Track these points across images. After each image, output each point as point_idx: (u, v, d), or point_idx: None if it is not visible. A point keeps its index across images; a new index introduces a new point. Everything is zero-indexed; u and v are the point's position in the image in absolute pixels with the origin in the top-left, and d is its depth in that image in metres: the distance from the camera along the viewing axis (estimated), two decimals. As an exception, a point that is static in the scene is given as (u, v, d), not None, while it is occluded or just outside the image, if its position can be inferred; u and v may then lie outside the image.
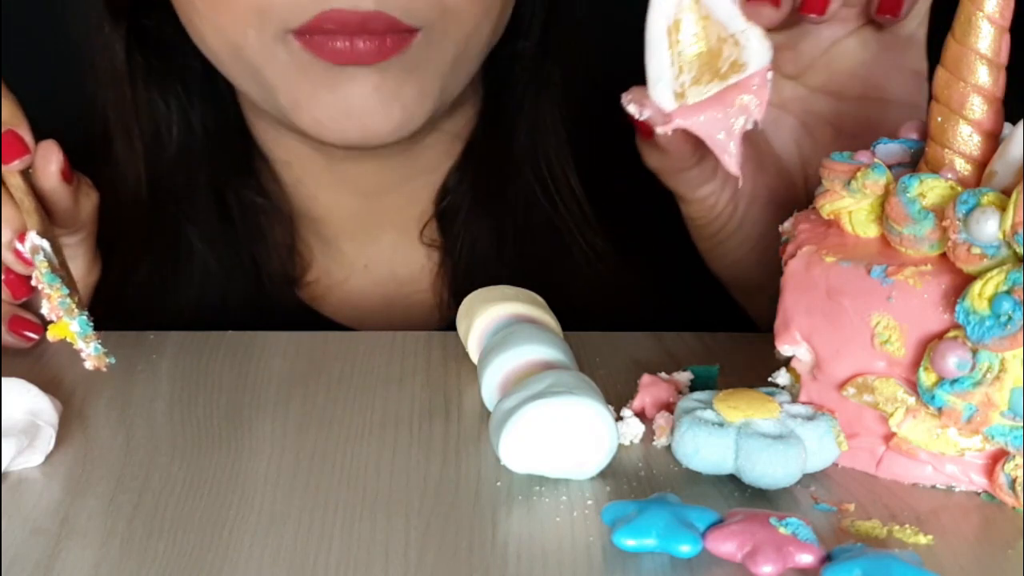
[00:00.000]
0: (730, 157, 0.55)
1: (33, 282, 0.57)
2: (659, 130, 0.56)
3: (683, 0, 0.55)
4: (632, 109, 0.57)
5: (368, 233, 0.83)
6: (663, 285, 0.79)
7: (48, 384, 0.56)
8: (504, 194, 0.82)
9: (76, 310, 0.56)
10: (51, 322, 0.57)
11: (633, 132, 0.61)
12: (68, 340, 0.56)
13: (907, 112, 0.62)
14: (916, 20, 0.63)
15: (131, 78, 0.80)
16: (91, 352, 0.56)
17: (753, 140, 0.66)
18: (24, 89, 0.65)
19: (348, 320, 0.82)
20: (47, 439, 0.54)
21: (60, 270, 0.58)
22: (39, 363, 0.63)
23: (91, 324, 0.56)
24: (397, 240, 0.84)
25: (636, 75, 0.56)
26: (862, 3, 0.61)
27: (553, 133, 0.81)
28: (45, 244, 0.59)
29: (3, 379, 0.54)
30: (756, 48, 0.55)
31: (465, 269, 0.81)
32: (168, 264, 0.81)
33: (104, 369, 0.56)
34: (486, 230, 0.82)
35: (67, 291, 0.57)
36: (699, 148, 0.60)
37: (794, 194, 0.65)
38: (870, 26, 0.63)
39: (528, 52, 0.81)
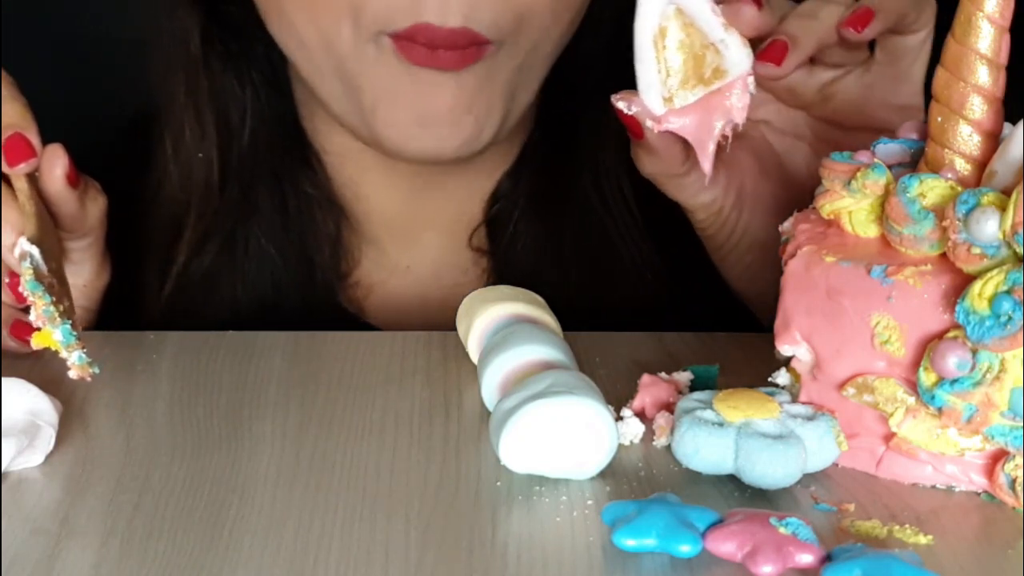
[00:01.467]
0: (707, 157, 0.58)
1: (20, 288, 0.57)
2: (648, 124, 0.59)
3: (667, 9, 0.57)
4: (622, 105, 0.59)
5: (412, 234, 0.83)
6: (707, 293, 0.79)
7: (48, 384, 0.56)
8: (559, 200, 0.81)
9: (59, 319, 0.55)
10: (37, 329, 0.56)
11: None
12: (53, 349, 0.56)
13: None
14: (911, 59, 0.65)
15: (206, 64, 0.80)
16: (75, 361, 0.55)
17: (755, 148, 0.68)
18: (57, 86, 0.65)
19: (386, 321, 0.81)
20: (47, 439, 0.54)
21: (48, 277, 0.57)
22: (39, 363, 0.63)
23: (74, 334, 0.55)
24: (441, 242, 0.83)
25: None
26: (849, 46, 0.64)
27: (614, 137, 0.79)
28: (34, 251, 0.58)
29: (3, 379, 0.54)
30: (736, 55, 0.58)
31: (512, 274, 0.80)
32: (226, 253, 0.80)
33: (88, 379, 0.56)
34: (537, 236, 0.81)
35: (51, 299, 0.56)
36: (689, 152, 0.62)
37: (801, 204, 0.66)
38: (865, 65, 0.65)
39: (594, 53, 0.80)
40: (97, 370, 0.56)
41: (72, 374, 0.56)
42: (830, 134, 0.67)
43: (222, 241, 0.80)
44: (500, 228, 0.82)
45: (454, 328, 0.64)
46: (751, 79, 0.58)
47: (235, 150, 0.80)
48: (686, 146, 0.61)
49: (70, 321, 0.56)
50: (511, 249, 0.82)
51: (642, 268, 0.81)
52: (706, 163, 0.58)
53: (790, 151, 0.69)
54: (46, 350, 0.62)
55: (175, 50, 0.80)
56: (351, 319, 0.81)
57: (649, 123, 0.59)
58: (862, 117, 0.66)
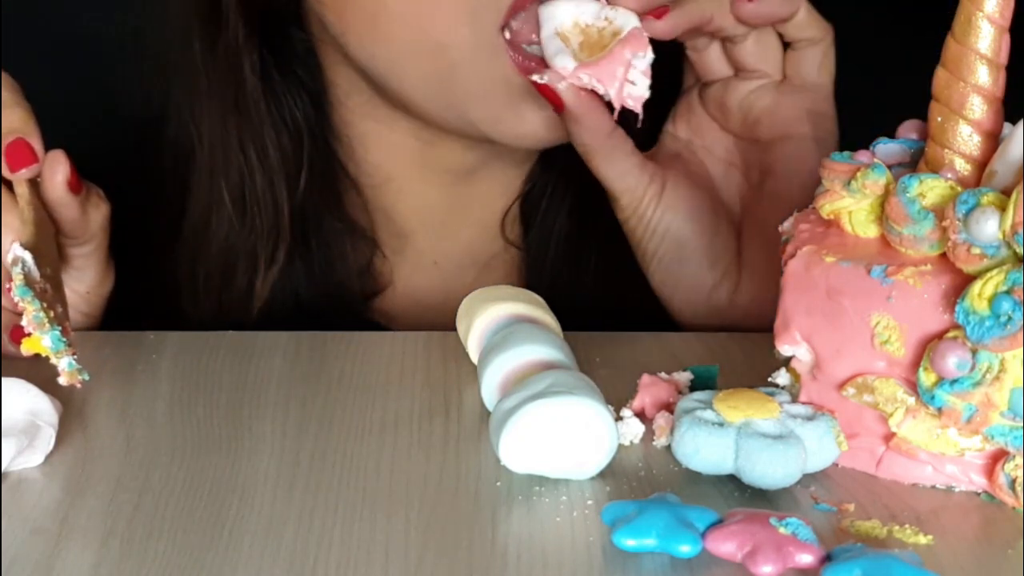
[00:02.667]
0: (619, 83, 0.66)
1: (11, 292, 0.56)
2: (562, 86, 0.66)
3: (564, 22, 0.68)
4: (535, 77, 0.67)
5: (445, 227, 0.84)
6: None
7: (48, 384, 0.56)
8: (591, 179, 0.83)
9: (48, 324, 0.55)
10: (28, 335, 0.56)
11: None
12: (43, 355, 0.56)
13: (811, 147, 0.72)
14: (815, 68, 0.72)
15: (264, 98, 0.79)
16: (64, 368, 0.55)
17: (687, 160, 0.74)
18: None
19: (409, 319, 0.82)
20: (47, 439, 0.54)
21: (40, 283, 0.57)
22: (39, 363, 0.63)
23: (64, 340, 0.55)
24: (474, 234, 0.84)
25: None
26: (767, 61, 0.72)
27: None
28: (26, 256, 0.58)
29: (3, 379, 0.54)
30: (624, 16, 0.67)
31: (545, 260, 0.83)
32: (255, 275, 0.81)
33: (79, 385, 0.56)
34: (570, 218, 0.83)
35: (40, 304, 0.56)
36: (614, 123, 0.69)
37: (716, 218, 0.73)
38: (780, 80, 0.73)
39: None
40: (87, 376, 0.56)
41: (62, 380, 0.56)
42: (753, 155, 0.73)
43: (247, 264, 0.81)
44: (534, 208, 0.84)
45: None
46: (645, 34, 0.66)
47: (299, 187, 0.80)
48: (604, 105, 0.67)
49: (60, 327, 0.56)
50: (544, 233, 0.83)
51: None
52: (624, 98, 0.66)
53: (723, 177, 0.74)
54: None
55: (224, 83, 0.78)
56: (377, 327, 0.82)
57: (563, 85, 0.66)
58: (777, 126, 0.72)
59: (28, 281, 0.56)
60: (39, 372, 0.59)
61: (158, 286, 0.77)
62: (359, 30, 0.75)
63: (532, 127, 0.73)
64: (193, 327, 0.75)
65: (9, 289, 0.61)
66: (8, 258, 0.58)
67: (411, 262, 0.84)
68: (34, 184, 0.63)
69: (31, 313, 0.55)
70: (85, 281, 0.69)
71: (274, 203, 0.79)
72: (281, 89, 0.80)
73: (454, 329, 0.64)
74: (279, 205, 0.79)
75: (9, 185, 0.62)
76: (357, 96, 0.80)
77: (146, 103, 0.83)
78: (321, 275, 0.81)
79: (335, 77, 0.80)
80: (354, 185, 0.83)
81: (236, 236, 0.79)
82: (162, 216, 0.81)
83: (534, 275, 0.83)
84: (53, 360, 0.56)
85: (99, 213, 0.67)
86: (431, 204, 0.83)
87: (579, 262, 0.83)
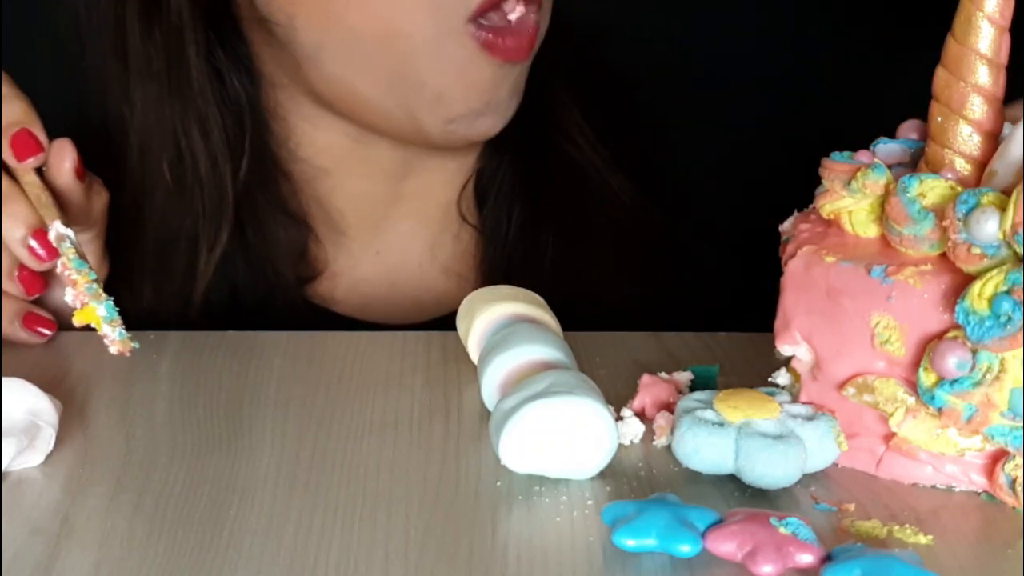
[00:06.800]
0: None
1: (59, 269, 0.59)
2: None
3: None
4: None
5: (386, 219, 0.84)
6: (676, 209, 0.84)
7: (48, 384, 0.56)
8: (540, 162, 0.84)
9: (103, 295, 0.58)
10: (75, 309, 0.58)
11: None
12: (93, 325, 0.57)
13: None
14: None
15: (210, 83, 0.78)
16: (116, 337, 0.57)
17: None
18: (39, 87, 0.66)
19: (353, 308, 0.82)
20: (47, 439, 0.54)
21: (85, 258, 0.59)
22: (39, 363, 0.63)
23: (117, 309, 0.58)
24: (415, 224, 0.84)
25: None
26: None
27: (568, 94, 0.83)
28: (70, 232, 0.60)
29: (3, 379, 0.54)
30: None
31: (499, 247, 0.83)
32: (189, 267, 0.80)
33: (128, 354, 0.58)
34: (525, 203, 0.83)
35: (94, 276, 0.58)
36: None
37: None
38: None
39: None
40: (137, 345, 0.58)
41: (113, 350, 0.58)
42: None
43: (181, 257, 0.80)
44: (484, 195, 0.84)
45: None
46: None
47: (241, 168, 0.80)
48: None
49: (112, 298, 0.58)
50: (497, 219, 0.83)
51: (620, 194, 0.84)
52: None
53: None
54: (43, 345, 0.64)
55: (163, 64, 0.78)
56: (315, 311, 0.81)
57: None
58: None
59: (79, 254, 0.59)
60: (39, 372, 0.59)
61: None
62: (310, 13, 0.74)
63: (485, 128, 0.74)
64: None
65: (19, 276, 0.63)
66: (51, 237, 0.61)
67: (351, 251, 0.83)
68: (40, 173, 0.65)
69: (83, 285, 0.58)
70: None
71: (218, 184, 0.78)
72: (225, 69, 0.79)
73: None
74: (223, 186, 0.79)
75: (11, 175, 0.64)
76: (284, 88, 0.80)
77: (70, 90, 0.82)
78: (257, 259, 0.81)
79: (263, 65, 0.80)
80: (287, 172, 0.82)
81: (173, 218, 0.79)
82: None
83: (488, 258, 0.83)
84: (105, 330, 0.57)
85: (100, 200, 0.69)
86: (368, 197, 0.83)
87: (536, 246, 0.82)
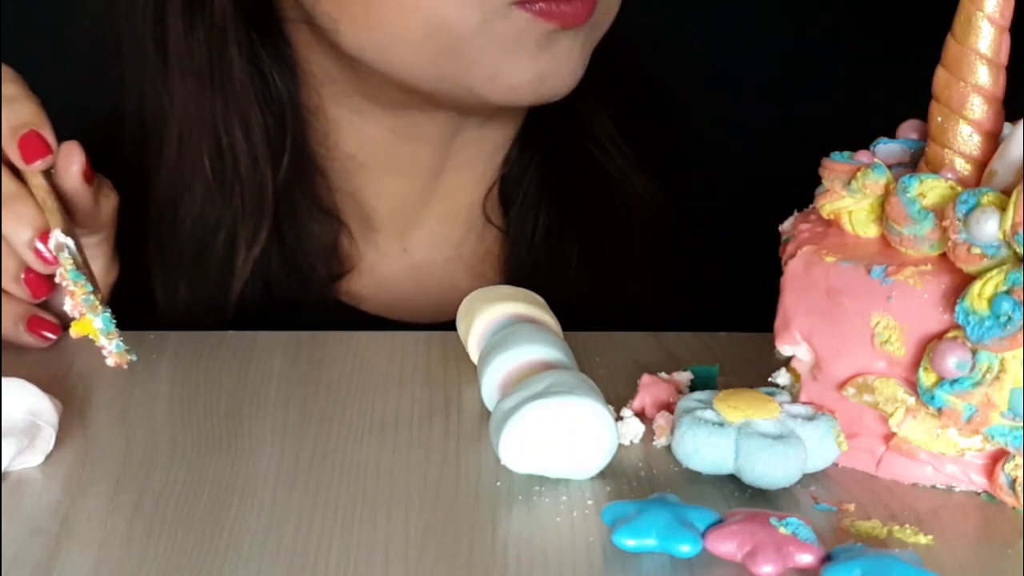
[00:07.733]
0: None
1: (57, 279, 0.59)
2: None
3: None
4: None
5: (416, 217, 0.84)
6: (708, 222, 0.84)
7: (48, 384, 0.56)
8: (567, 160, 0.83)
9: (100, 307, 0.57)
10: (73, 319, 0.58)
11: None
12: (90, 337, 0.57)
13: None
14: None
15: (245, 77, 0.78)
16: (112, 349, 0.57)
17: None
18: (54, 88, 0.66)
19: (379, 306, 0.82)
20: (47, 439, 0.54)
21: (84, 268, 0.59)
22: (39, 363, 0.63)
23: (114, 321, 0.57)
24: (444, 223, 0.84)
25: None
26: None
27: (598, 98, 0.83)
28: (70, 242, 0.60)
29: (3, 379, 0.54)
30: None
31: (527, 244, 0.82)
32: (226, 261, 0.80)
33: (125, 367, 0.58)
34: (551, 206, 0.83)
35: (91, 288, 0.58)
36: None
37: None
38: None
39: None
40: (135, 357, 0.58)
41: (110, 362, 0.58)
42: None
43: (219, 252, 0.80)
44: (511, 196, 0.84)
45: (453, 310, 0.64)
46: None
47: (282, 167, 0.80)
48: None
49: (108, 309, 0.58)
50: (523, 222, 0.83)
51: (645, 198, 0.84)
52: None
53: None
54: (56, 342, 0.64)
55: (205, 62, 0.78)
56: (348, 309, 0.81)
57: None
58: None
59: (76, 265, 0.59)
60: (39, 372, 0.59)
61: (125, 271, 0.76)
62: (353, 16, 0.74)
63: (527, 75, 0.73)
64: (167, 306, 0.75)
65: (25, 279, 0.63)
66: (51, 245, 0.61)
67: (379, 247, 0.84)
68: (48, 176, 0.64)
69: (81, 296, 0.58)
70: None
71: (259, 183, 0.78)
72: (267, 68, 0.79)
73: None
74: (263, 185, 0.78)
75: (20, 177, 0.64)
76: (331, 85, 0.80)
77: (102, 88, 0.82)
78: (291, 255, 0.81)
79: (308, 64, 0.80)
80: (323, 169, 0.82)
81: (211, 214, 0.79)
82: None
83: (513, 260, 0.83)
84: (102, 342, 0.57)
85: (109, 203, 0.68)
86: (400, 195, 0.83)
87: (562, 250, 0.82)
